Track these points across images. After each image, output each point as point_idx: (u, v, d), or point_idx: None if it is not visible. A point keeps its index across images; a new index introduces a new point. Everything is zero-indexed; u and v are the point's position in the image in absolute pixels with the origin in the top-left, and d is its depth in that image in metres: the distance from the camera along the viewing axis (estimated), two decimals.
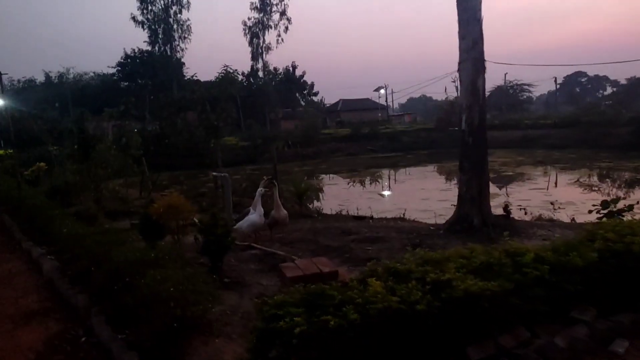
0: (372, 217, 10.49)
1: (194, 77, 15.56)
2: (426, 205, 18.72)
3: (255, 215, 8.08)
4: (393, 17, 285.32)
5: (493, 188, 23.04)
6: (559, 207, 11.09)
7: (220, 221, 6.29)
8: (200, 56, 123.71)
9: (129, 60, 65.16)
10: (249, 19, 64.13)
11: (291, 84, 73.71)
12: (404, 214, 11.24)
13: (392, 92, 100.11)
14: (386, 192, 24.25)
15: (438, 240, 7.39)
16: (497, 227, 7.63)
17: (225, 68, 17.07)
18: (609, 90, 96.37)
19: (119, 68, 65.90)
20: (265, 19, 63.82)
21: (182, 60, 64.85)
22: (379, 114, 71.19)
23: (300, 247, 7.59)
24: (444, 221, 10.32)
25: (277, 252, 7.08)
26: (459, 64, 8.16)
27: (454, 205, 16.36)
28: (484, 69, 8.04)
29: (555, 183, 23.39)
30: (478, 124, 7.96)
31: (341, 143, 46.87)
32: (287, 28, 64.49)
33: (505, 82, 71.85)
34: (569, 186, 22.23)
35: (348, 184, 27.50)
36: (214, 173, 12.47)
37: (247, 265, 6.74)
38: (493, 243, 7.33)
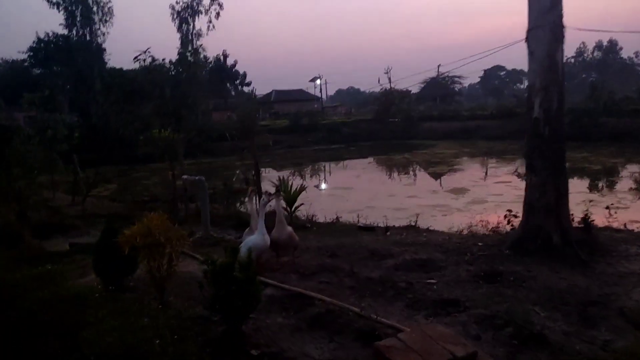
0: (387, 229, 8.51)
1: (148, 54, 13.06)
2: (397, 203, 17.20)
3: (257, 235, 5.93)
4: (320, 9, 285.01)
5: (460, 181, 22.11)
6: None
7: (239, 258, 4.11)
8: (124, 42, 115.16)
9: (42, 45, 59.24)
10: (177, 2, 59.87)
11: (222, 73, 70.36)
12: (416, 222, 9.36)
13: (326, 83, 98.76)
14: (323, 185, 23.65)
15: (514, 266, 5.52)
16: (580, 245, 5.89)
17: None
18: (525, 83, 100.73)
19: (31, 54, 59.85)
20: (195, 4, 59.75)
21: (104, 46, 59.90)
22: (315, 105, 69.65)
23: (330, 280, 5.45)
24: (457, 227, 8.68)
25: (309, 294, 4.93)
26: (529, 31, 6.24)
27: (431, 205, 14.71)
28: (563, 37, 6.21)
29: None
30: (557, 110, 6.14)
31: (281, 135, 44.85)
32: (218, 14, 60.50)
33: (438, 74, 72.22)
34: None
35: (287, 177, 25.47)
36: (184, 176, 10.01)
37: (270, 318, 4.57)
38: (586, 267, 5.65)
